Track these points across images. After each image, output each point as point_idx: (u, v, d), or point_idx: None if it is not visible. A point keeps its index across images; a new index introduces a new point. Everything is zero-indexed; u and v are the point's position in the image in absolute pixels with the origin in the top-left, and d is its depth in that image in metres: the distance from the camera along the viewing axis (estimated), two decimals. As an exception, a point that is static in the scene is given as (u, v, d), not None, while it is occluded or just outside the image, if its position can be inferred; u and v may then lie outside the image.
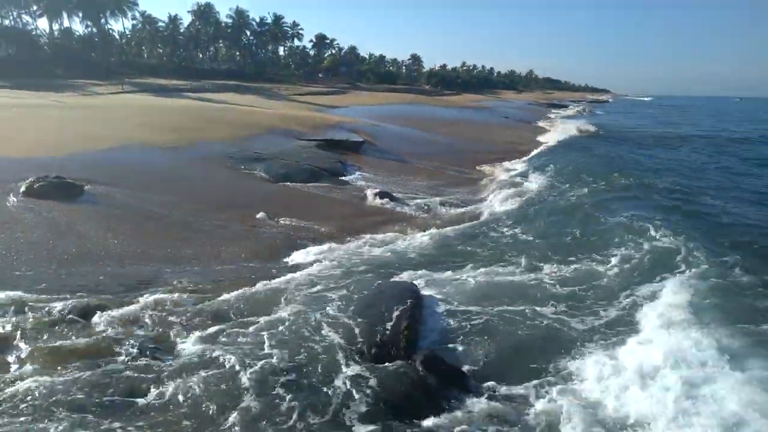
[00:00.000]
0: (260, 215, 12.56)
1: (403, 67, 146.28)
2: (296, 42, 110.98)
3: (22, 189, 11.49)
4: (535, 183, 18.11)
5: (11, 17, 68.43)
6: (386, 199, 15.25)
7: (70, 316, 6.94)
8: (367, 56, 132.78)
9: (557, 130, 40.08)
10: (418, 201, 15.73)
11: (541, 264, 9.77)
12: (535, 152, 27.41)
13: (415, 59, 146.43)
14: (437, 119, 45.62)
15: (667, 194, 15.07)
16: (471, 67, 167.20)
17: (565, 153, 26.02)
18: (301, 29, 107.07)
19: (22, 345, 6.28)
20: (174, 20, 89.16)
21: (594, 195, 14.92)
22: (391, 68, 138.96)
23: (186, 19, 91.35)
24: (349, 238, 11.46)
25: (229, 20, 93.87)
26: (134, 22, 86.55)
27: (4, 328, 6.58)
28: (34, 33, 69.14)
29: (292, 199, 14.93)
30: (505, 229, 12.35)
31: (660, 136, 37.38)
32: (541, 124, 49.78)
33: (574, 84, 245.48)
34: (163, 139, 19.69)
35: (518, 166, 22.70)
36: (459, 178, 20.07)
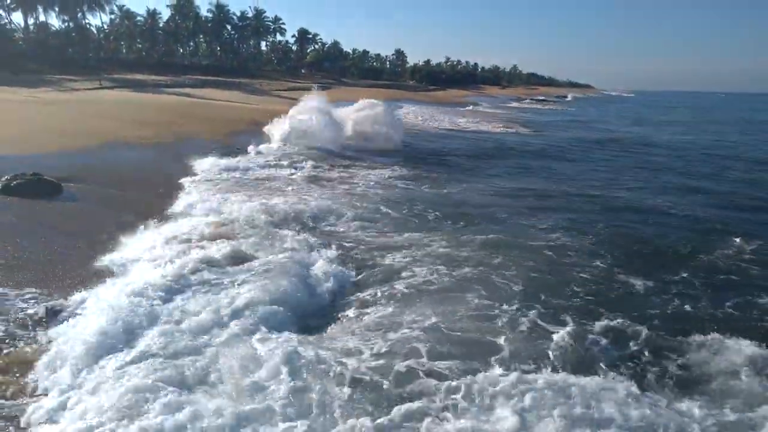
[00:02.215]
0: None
1: (387, 63, 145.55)
2: (278, 37, 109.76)
3: (-2, 187, 11.04)
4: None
5: (-17, 11, 66.53)
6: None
7: (47, 317, 6.64)
8: (350, 51, 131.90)
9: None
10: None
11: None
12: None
13: (399, 54, 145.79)
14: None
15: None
16: (455, 63, 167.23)
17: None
18: (283, 24, 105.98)
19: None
20: (153, 15, 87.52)
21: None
22: (375, 64, 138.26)
23: (165, 14, 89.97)
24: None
25: (210, 14, 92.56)
26: (112, 16, 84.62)
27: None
28: (8, 27, 67.28)
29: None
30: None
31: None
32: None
33: (558, 80, 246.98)
34: (143, 135, 19.26)
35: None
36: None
